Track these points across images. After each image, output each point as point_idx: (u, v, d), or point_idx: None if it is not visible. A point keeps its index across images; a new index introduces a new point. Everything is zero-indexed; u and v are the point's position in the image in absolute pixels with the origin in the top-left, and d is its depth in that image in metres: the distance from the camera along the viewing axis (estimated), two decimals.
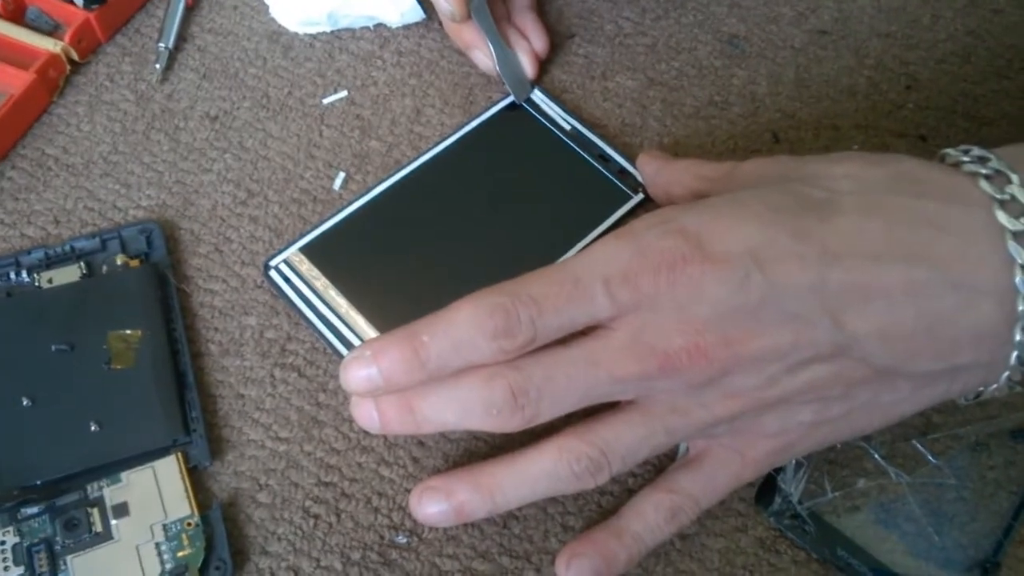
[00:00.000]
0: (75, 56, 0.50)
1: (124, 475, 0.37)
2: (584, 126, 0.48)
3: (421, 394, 0.32)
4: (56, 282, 0.42)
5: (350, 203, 0.45)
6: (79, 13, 0.50)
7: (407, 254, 0.44)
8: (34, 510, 0.36)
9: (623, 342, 0.31)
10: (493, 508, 0.33)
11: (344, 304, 0.41)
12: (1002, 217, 0.29)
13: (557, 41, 0.52)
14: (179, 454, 0.38)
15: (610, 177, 0.46)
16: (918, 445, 0.38)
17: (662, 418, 0.32)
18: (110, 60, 0.51)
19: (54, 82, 0.49)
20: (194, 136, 0.48)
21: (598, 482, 0.33)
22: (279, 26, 0.53)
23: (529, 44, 0.50)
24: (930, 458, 0.38)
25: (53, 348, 0.39)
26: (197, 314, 0.42)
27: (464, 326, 0.31)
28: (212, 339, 0.42)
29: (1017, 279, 0.29)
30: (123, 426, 0.38)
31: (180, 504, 0.36)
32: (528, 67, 0.49)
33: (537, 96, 0.49)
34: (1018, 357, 0.31)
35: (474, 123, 0.48)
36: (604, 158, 0.47)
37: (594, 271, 0.31)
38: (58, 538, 0.35)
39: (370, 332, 0.41)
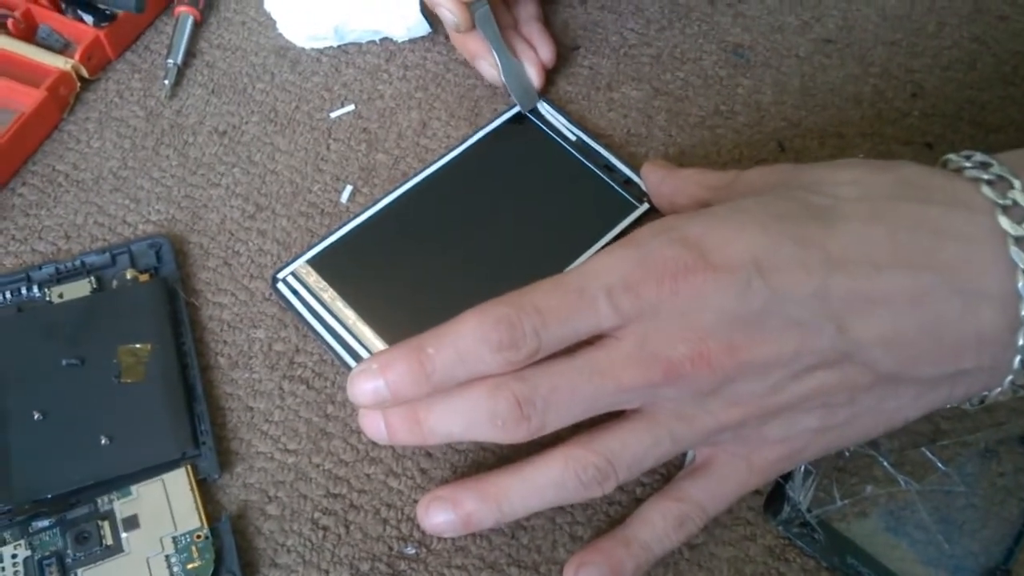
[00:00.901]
0: (85, 73, 0.50)
1: (134, 488, 0.37)
2: (589, 136, 0.48)
3: (427, 406, 0.32)
4: (66, 297, 0.42)
5: (357, 215, 0.45)
6: (89, 31, 0.51)
7: (414, 266, 0.44)
8: (45, 523, 0.36)
9: (628, 351, 0.31)
10: (500, 518, 0.34)
11: (352, 316, 0.42)
12: (1004, 222, 0.29)
13: (562, 52, 0.52)
14: (188, 467, 0.38)
15: (615, 187, 0.46)
16: (927, 452, 0.38)
17: (667, 426, 0.32)
18: (120, 77, 0.52)
19: (65, 99, 0.50)
20: (203, 151, 0.49)
21: (605, 491, 0.33)
22: (286, 41, 0.53)
23: (535, 54, 0.50)
24: (939, 465, 0.38)
25: (64, 362, 0.40)
26: (206, 327, 0.43)
27: (469, 338, 0.31)
28: (221, 352, 0.42)
29: (1020, 284, 0.29)
30: (133, 439, 0.38)
31: (190, 516, 0.37)
32: (534, 77, 0.49)
33: (542, 107, 0.50)
34: (1022, 361, 0.30)
35: (480, 135, 0.48)
36: (610, 168, 0.47)
37: (597, 281, 0.31)
38: (69, 551, 0.36)
39: (378, 344, 0.41)
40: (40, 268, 0.43)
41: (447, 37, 0.53)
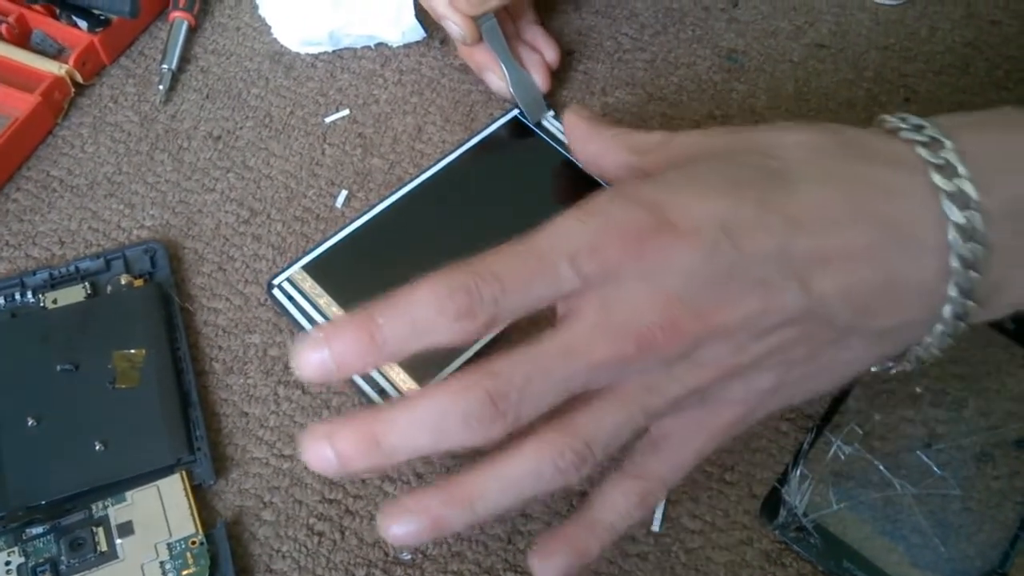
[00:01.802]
0: (79, 78, 0.50)
1: (129, 494, 0.37)
2: None
3: (385, 420, 0.30)
4: (61, 303, 0.42)
5: (352, 221, 0.45)
6: (83, 36, 0.51)
7: (409, 271, 0.43)
8: (39, 530, 0.36)
9: (593, 322, 0.30)
10: (474, 519, 0.31)
11: None
12: (938, 179, 0.31)
13: None
14: (183, 473, 0.38)
15: None
16: (923, 456, 0.38)
17: (638, 400, 0.32)
18: (114, 82, 0.52)
19: (59, 104, 0.49)
20: (197, 156, 0.49)
21: (582, 474, 0.31)
22: (281, 46, 0.53)
23: (541, 57, 0.51)
24: (935, 469, 0.38)
25: (58, 368, 0.39)
26: (201, 333, 0.43)
27: (422, 306, 0.29)
28: (216, 357, 0.42)
29: (950, 236, 0.30)
30: (128, 445, 0.38)
31: (184, 523, 0.36)
32: (541, 82, 0.50)
33: None
34: (952, 311, 0.31)
35: (475, 140, 0.48)
36: None
37: (559, 245, 0.30)
38: (63, 558, 0.35)
39: None
40: (34, 274, 0.43)
41: (442, 42, 0.53)
